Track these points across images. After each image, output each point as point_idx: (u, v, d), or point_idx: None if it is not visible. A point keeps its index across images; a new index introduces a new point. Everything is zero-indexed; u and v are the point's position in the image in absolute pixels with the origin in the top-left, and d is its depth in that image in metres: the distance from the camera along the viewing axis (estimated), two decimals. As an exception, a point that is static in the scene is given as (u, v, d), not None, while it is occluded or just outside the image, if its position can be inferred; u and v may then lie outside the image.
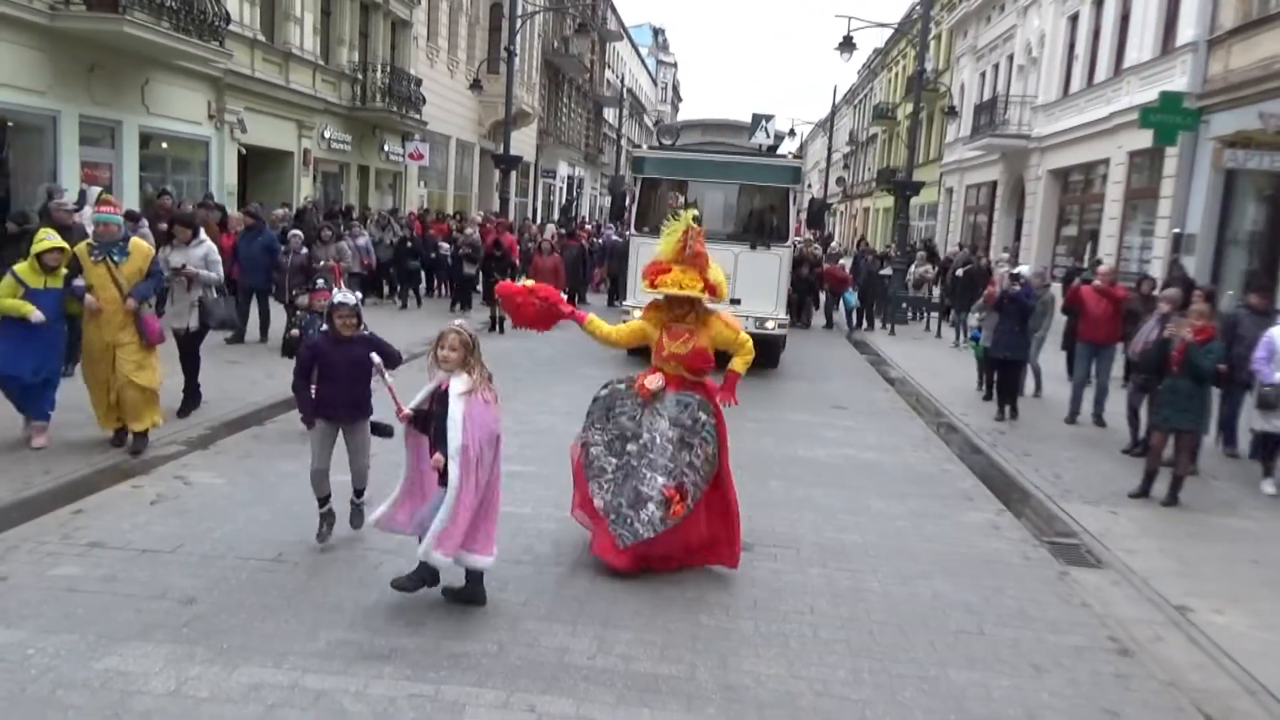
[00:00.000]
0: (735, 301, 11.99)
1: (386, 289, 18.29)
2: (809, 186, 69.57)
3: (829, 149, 54.29)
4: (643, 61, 76.48)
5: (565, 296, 21.32)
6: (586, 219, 40.35)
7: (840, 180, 62.41)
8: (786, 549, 6.11)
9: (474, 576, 4.84)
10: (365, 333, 5.51)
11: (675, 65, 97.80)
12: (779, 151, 13.60)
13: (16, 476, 6.29)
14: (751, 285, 12.12)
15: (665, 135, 13.46)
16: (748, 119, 13.87)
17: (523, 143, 37.76)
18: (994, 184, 30.00)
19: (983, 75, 32.70)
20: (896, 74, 46.82)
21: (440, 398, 4.69)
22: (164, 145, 16.99)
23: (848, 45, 21.59)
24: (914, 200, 26.28)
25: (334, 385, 5.41)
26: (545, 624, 4.72)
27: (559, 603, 5.00)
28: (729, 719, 3.97)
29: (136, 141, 15.67)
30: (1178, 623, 5.32)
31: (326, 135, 22.25)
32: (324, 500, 5.53)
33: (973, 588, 5.65)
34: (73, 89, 13.84)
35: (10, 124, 13.49)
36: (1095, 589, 5.81)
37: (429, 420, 4.77)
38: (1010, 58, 29.37)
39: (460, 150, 32.80)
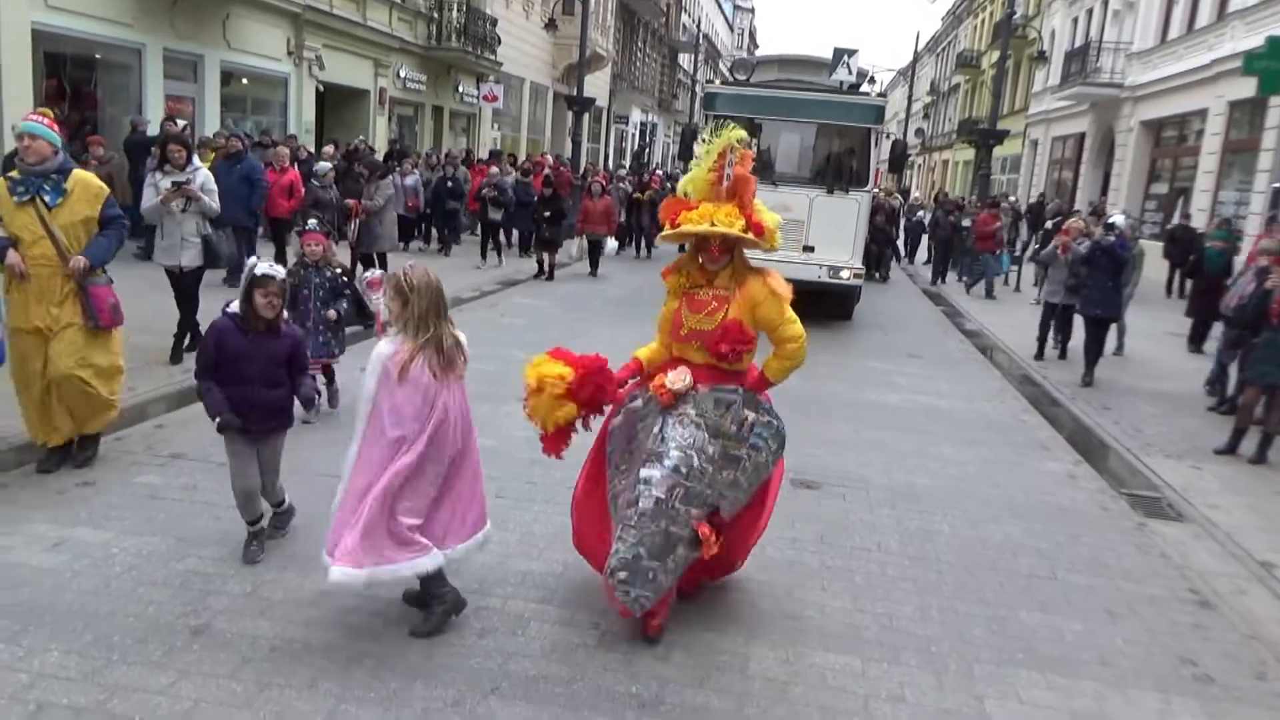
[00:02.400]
0: (809, 249, 11.64)
1: (431, 232, 17.32)
2: (888, 136, 67.78)
3: (909, 99, 52.70)
4: (719, 6, 75.01)
5: (619, 243, 19.22)
6: (658, 166, 39.96)
7: (919, 132, 60.71)
8: (855, 489, 6.03)
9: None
10: (289, 324, 4.39)
11: (752, 11, 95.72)
12: (861, 91, 12.75)
13: (103, 391, 6.49)
14: (827, 232, 11.64)
15: (739, 70, 12.87)
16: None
17: (596, 87, 37.42)
18: (1081, 136, 28.86)
19: (1075, 21, 31.31)
20: (983, 20, 45.10)
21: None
22: (244, 81, 17.23)
23: (934, -14, 20.81)
24: (996, 152, 25.44)
25: (246, 387, 4.11)
26: (610, 548, 4.74)
27: (624, 529, 5.01)
28: (792, 645, 3.94)
29: (218, 77, 15.91)
30: (1261, 578, 5.12)
31: (402, 75, 22.32)
32: (254, 521, 4.35)
33: (1045, 534, 5.50)
34: (157, 22, 14.07)
35: (98, 56, 13.79)
36: (1175, 541, 5.62)
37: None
38: (1105, 2, 28.03)
39: (534, 93, 32.67)
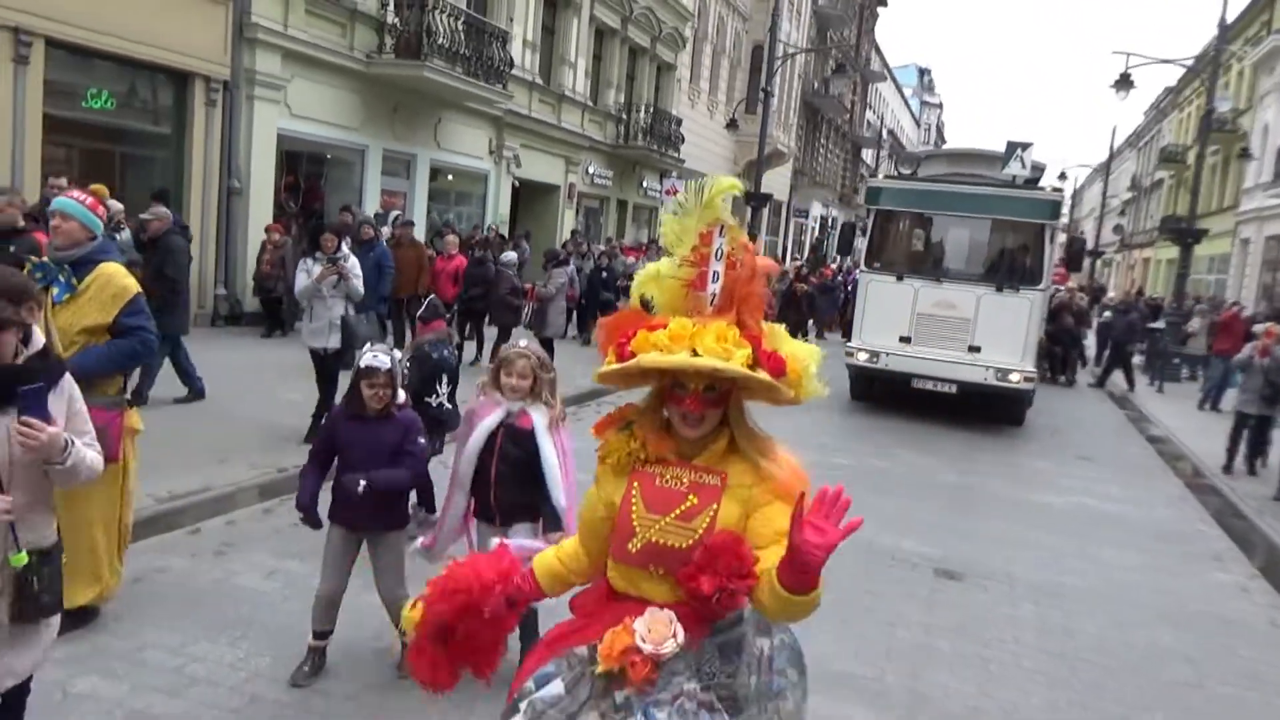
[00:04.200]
0: (975, 349, 11.30)
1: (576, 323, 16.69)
2: (1081, 234, 65.38)
3: (1104, 194, 50.78)
4: (905, 102, 75.27)
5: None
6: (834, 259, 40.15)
7: (1118, 228, 58.19)
8: (999, 583, 6.04)
9: None
10: (402, 409, 3.99)
11: (940, 106, 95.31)
12: (1040, 185, 12.10)
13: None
14: (995, 332, 11.21)
15: (905, 164, 12.75)
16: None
17: (777, 181, 38.30)
18: (1297, 235, 27.00)
19: (1290, 115, 29.58)
20: (1189, 114, 43.17)
21: (513, 435, 3.87)
22: (449, 177, 18.95)
23: (1125, 83, 20.31)
24: (1202, 251, 24.17)
25: (350, 477, 3.79)
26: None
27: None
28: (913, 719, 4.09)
29: (428, 173, 17.62)
30: None
31: (590, 171, 23.81)
32: (322, 634, 4.02)
33: (1200, 644, 5.35)
34: (379, 126, 15.84)
35: (329, 155, 15.66)
36: (1351, 663, 5.32)
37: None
38: (1324, 96, 26.43)
39: (715, 188, 33.82)
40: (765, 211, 26.04)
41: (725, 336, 2.09)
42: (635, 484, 2.25)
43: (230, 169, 13.09)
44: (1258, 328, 10.42)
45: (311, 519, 3.92)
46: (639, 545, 2.21)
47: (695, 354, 2.07)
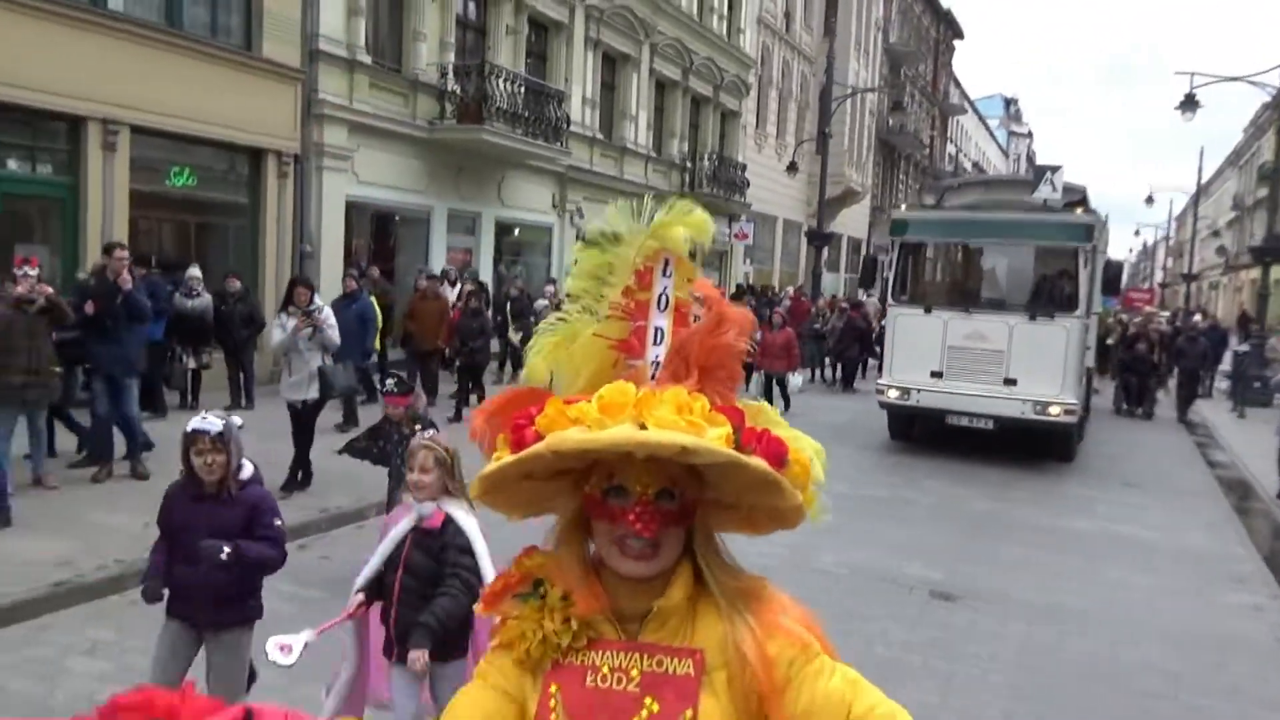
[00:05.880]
0: (1010, 382, 10.84)
1: None
2: (1181, 257, 62.81)
3: (1194, 217, 49.14)
4: (991, 134, 74.29)
5: (808, 375, 16.66)
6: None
7: (1221, 250, 55.92)
8: (992, 603, 6.14)
9: None
10: (249, 484, 3.40)
11: (1030, 135, 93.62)
12: (1090, 208, 11.60)
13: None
14: (1031, 363, 10.73)
15: (930, 194, 12.53)
16: (1079, 182, 12.03)
17: (854, 219, 38.39)
18: (1402, 249, 25.68)
19: (1388, 125, 28.29)
20: (1286, 130, 41.52)
21: (421, 542, 3.25)
22: (515, 232, 19.79)
23: (1190, 104, 19.90)
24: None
25: (189, 567, 3.29)
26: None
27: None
28: (859, 729, 4.29)
29: (493, 229, 18.46)
30: None
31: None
32: None
33: (1187, 660, 5.37)
34: (443, 187, 16.74)
35: (397, 218, 16.61)
36: (1350, 680, 5.26)
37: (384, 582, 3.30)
38: None
39: (786, 228, 34.12)
40: (843, 250, 26.11)
41: (688, 407, 1.26)
42: (553, 687, 1.34)
43: (302, 234, 14.06)
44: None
45: (150, 593, 3.35)
46: None
47: (644, 420, 1.24)
